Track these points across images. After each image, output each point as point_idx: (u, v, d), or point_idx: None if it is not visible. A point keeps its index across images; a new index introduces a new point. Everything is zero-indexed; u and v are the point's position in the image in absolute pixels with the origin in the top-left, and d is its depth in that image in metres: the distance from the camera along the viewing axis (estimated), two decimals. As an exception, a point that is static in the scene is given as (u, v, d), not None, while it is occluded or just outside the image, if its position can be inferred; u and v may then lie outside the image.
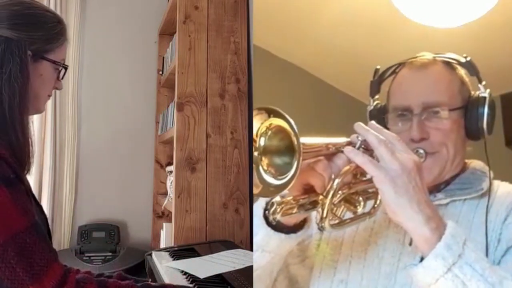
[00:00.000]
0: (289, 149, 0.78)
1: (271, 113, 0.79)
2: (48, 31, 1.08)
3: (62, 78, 1.15)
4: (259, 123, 0.80)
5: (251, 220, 2.05)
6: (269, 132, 0.80)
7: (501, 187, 0.96)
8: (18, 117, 1.00)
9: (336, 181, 0.81)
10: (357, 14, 1.57)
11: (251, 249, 1.75)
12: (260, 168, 0.80)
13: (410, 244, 0.92)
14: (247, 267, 1.46)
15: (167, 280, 1.38)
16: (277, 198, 0.83)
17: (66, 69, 1.13)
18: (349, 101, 1.80)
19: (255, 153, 0.81)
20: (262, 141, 0.81)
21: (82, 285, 0.95)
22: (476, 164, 1.00)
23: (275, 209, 0.83)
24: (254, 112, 0.80)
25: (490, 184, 0.94)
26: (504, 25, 1.35)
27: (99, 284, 0.98)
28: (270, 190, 0.79)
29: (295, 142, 0.76)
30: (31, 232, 0.92)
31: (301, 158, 0.74)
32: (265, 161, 0.81)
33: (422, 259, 0.78)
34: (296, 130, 0.76)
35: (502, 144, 1.39)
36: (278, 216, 0.83)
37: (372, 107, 1.07)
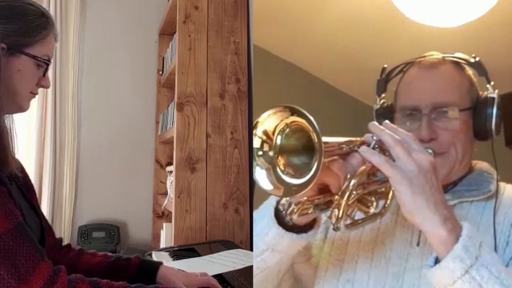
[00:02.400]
0: (307, 149, 0.77)
1: (294, 112, 0.78)
2: (26, 24, 1.02)
3: (45, 75, 1.08)
4: (278, 120, 0.79)
5: (251, 220, 2.05)
6: (287, 130, 0.79)
7: (507, 189, 0.96)
8: None
9: (353, 181, 0.80)
10: (357, 14, 1.56)
11: (251, 249, 1.75)
12: (278, 169, 0.79)
13: (418, 244, 0.92)
14: (247, 267, 1.46)
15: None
16: (293, 198, 0.83)
17: (47, 65, 1.07)
18: (349, 101, 1.80)
19: (270, 153, 0.79)
20: (278, 140, 0.79)
21: (75, 284, 0.94)
22: (482, 165, 1.00)
23: (292, 209, 0.83)
24: (275, 109, 0.79)
25: (497, 186, 0.94)
26: (504, 25, 1.35)
27: (92, 284, 0.97)
28: (293, 190, 0.78)
29: (316, 141, 0.75)
30: (14, 234, 0.90)
31: (322, 157, 0.74)
32: (281, 161, 0.80)
33: (436, 260, 0.78)
34: (318, 129, 0.75)
35: (502, 144, 1.39)
36: (295, 217, 0.83)
37: (378, 106, 1.07)
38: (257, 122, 0.80)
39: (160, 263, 1.24)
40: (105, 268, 1.20)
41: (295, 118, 0.78)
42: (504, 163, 0.99)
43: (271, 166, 0.80)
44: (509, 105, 1.26)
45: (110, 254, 1.26)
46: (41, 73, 1.07)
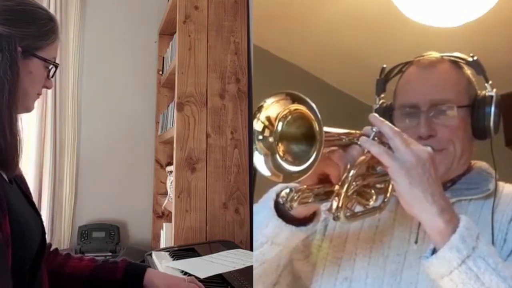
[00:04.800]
0: (307, 137, 0.77)
1: (296, 99, 0.78)
2: (39, 28, 1.05)
3: (52, 77, 1.11)
4: (282, 107, 0.79)
5: (251, 220, 2.05)
6: (289, 117, 0.79)
7: (506, 188, 0.96)
8: (6, 114, 0.97)
9: (352, 171, 0.80)
10: (357, 14, 1.57)
11: (251, 249, 1.75)
12: (277, 155, 0.79)
13: (416, 242, 0.92)
14: (247, 267, 1.46)
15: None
16: (294, 185, 0.83)
17: (56, 67, 1.10)
18: (350, 101, 1.80)
19: (270, 139, 0.79)
20: (279, 126, 0.79)
21: None
22: (481, 164, 1.00)
23: (293, 196, 0.82)
24: (278, 97, 0.79)
25: (496, 184, 0.94)
26: (504, 25, 1.35)
27: None
28: (293, 176, 0.78)
29: (317, 129, 0.75)
30: None
31: (322, 145, 0.74)
32: (281, 147, 0.80)
33: (434, 251, 0.78)
34: (320, 117, 0.75)
35: (502, 144, 1.39)
36: (295, 204, 0.82)
37: (377, 106, 1.08)
38: (261, 106, 0.80)
39: (147, 267, 1.24)
40: (91, 272, 1.21)
41: (298, 106, 0.78)
42: (503, 163, 0.99)
43: (270, 152, 0.80)
44: (509, 105, 1.26)
45: (97, 258, 1.26)
46: (46, 75, 1.09)
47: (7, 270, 0.90)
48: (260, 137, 0.80)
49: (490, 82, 0.97)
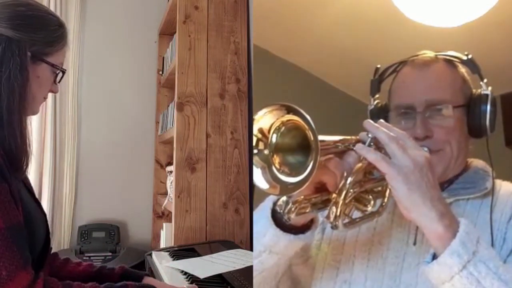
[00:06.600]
0: (302, 147, 0.76)
1: (290, 110, 0.77)
2: (49, 34, 1.07)
3: (59, 82, 1.14)
4: (274, 118, 0.78)
5: (251, 220, 2.05)
6: (283, 128, 0.79)
7: (503, 186, 0.96)
8: (16, 117, 0.99)
9: (349, 179, 0.80)
10: (357, 14, 1.57)
11: (251, 249, 1.75)
12: (273, 167, 0.79)
13: (414, 243, 0.92)
14: (247, 267, 1.46)
15: (166, 280, 1.38)
16: (291, 197, 0.82)
17: (63, 73, 1.13)
18: (350, 101, 1.80)
19: (265, 151, 0.79)
20: (274, 138, 0.79)
21: None
22: (478, 163, 1.00)
23: (290, 208, 0.82)
24: (271, 108, 0.78)
25: (493, 183, 0.94)
26: (504, 24, 1.35)
27: (64, 287, 0.99)
28: (289, 188, 0.77)
29: (312, 139, 0.74)
30: (4, 235, 0.90)
31: (319, 155, 0.73)
32: (277, 159, 0.79)
33: (434, 256, 0.78)
34: (314, 127, 0.74)
35: (502, 144, 1.39)
36: (293, 215, 0.82)
37: (372, 106, 1.07)
38: (253, 120, 0.80)
39: (145, 274, 1.24)
40: (88, 278, 1.21)
41: (291, 117, 0.77)
42: (504, 163, 0.99)
43: (266, 165, 0.79)
44: (509, 105, 1.26)
45: (95, 264, 1.27)
46: (53, 79, 1.12)
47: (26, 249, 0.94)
48: (255, 151, 0.79)
49: (485, 80, 0.97)
